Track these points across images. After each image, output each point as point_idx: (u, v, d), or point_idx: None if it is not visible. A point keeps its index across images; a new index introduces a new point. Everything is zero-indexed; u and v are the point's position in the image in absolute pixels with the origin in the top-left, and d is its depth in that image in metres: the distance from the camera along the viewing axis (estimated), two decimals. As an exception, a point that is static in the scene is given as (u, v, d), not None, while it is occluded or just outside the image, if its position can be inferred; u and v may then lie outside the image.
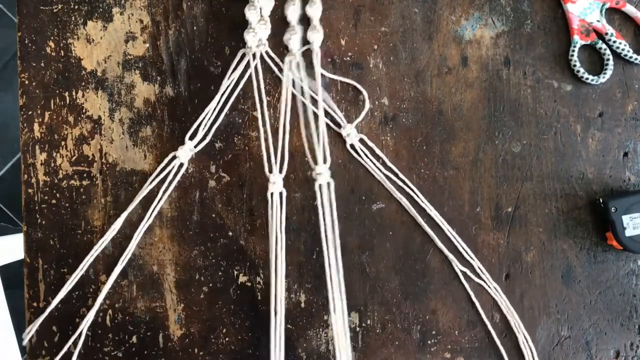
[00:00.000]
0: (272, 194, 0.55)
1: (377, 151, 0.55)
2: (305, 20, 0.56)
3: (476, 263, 0.55)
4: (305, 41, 0.56)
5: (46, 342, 0.55)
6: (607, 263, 0.55)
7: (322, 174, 0.54)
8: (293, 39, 0.55)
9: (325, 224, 0.53)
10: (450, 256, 0.55)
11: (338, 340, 0.51)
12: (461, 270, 0.55)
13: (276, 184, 0.55)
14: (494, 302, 0.55)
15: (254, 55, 0.55)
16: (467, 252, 0.55)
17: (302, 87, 0.56)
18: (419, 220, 0.55)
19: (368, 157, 0.55)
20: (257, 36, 0.56)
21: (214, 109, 0.55)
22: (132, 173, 0.56)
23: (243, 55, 0.56)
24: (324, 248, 0.54)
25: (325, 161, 0.54)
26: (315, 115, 0.56)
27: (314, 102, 0.56)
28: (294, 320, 0.55)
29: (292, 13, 0.55)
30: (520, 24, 0.57)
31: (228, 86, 0.56)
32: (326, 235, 0.54)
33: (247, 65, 0.56)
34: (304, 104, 0.56)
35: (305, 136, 0.56)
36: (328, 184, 0.54)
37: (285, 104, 0.56)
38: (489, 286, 0.55)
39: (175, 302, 0.56)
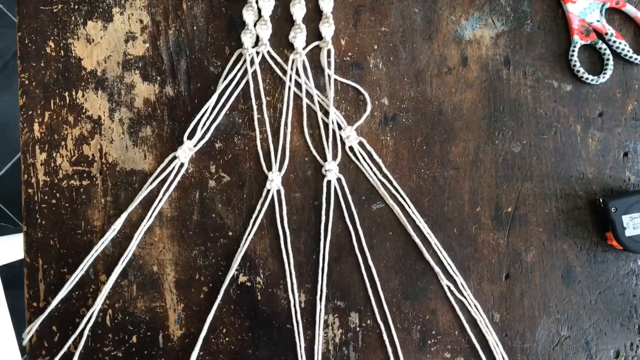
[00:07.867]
0: (268, 190, 0.55)
1: (375, 155, 0.55)
2: (309, 18, 0.56)
3: (459, 279, 0.55)
4: (309, 40, 0.56)
5: (46, 342, 0.55)
6: (607, 263, 0.55)
7: (332, 170, 0.54)
8: (298, 37, 0.55)
9: (327, 220, 0.54)
10: (436, 268, 0.55)
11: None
12: (446, 284, 0.55)
13: (274, 182, 0.55)
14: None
15: (250, 56, 0.55)
16: (451, 267, 0.55)
17: (303, 86, 0.56)
18: (409, 230, 0.55)
19: (365, 161, 0.55)
20: (254, 37, 0.56)
21: (212, 108, 0.55)
22: (132, 173, 0.56)
23: (240, 55, 0.56)
24: (321, 247, 0.54)
25: (335, 157, 0.55)
26: (321, 113, 0.56)
27: (313, 100, 0.56)
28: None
29: (298, 11, 0.55)
30: (520, 24, 0.57)
31: (226, 86, 0.56)
32: (325, 234, 0.54)
33: (246, 65, 0.56)
34: (307, 102, 0.56)
35: (308, 134, 0.56)
36: (338, 179, 0.54)
37: (287, 101, 0.56)
38: (469, 303, 0.55)
39: (175, 302, 0.56)
